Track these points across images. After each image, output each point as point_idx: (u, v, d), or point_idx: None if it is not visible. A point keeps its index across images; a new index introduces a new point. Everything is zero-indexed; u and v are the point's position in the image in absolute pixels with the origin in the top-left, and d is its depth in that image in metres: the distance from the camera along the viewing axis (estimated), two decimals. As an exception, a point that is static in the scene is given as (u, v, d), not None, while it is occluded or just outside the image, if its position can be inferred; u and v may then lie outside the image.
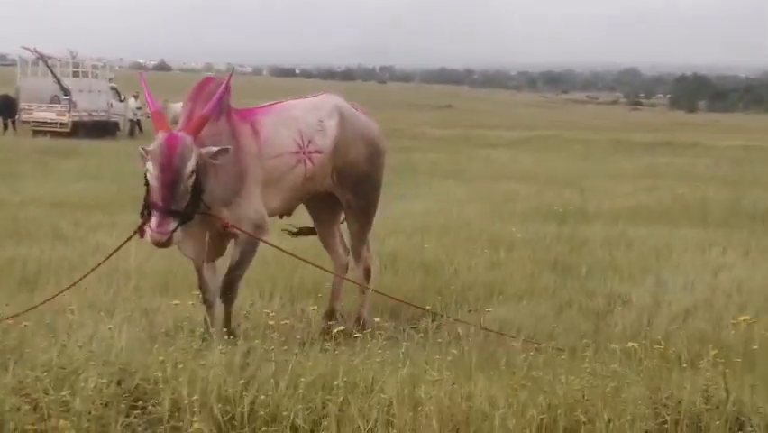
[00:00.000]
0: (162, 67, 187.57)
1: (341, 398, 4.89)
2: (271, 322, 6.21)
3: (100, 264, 7.42)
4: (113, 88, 39.87)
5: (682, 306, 8.43)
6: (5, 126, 37.68)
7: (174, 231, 6.44)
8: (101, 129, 37.47)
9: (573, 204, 16.06)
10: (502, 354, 5.90)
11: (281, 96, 7.98)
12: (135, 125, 38.83)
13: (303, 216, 8.31)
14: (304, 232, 8.31)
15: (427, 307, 7.57)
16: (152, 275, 9.06)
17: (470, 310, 7.59)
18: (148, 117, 28.69)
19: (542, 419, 4.67)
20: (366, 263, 8.01)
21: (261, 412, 4.87)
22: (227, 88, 6.92)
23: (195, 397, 4.85)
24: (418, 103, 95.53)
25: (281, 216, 7.82)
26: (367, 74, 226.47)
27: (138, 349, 5.66)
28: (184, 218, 6.51)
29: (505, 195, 18.61)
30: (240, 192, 6.94)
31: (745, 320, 5.98)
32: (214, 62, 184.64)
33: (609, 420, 4.66)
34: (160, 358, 5.21)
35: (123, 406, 4.86)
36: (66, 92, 36.53)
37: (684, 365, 5.38)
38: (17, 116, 36.75)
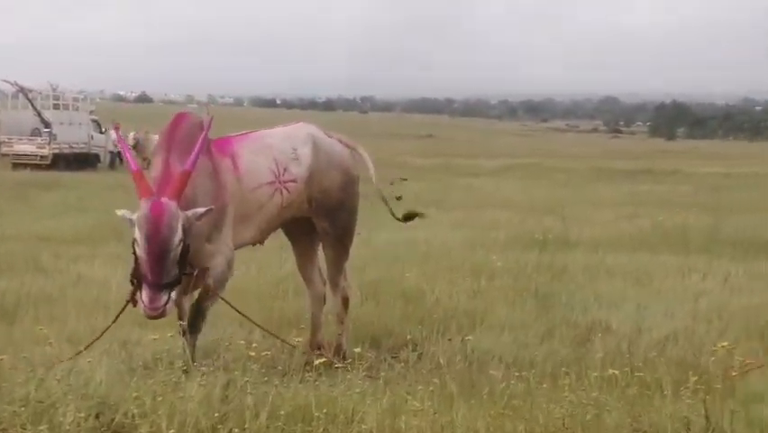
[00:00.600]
0: (143, 99, 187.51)
1: (321, 429, 4.87)
2: (252, 353, 6.17)
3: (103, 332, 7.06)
4: (93, 120, 39.84)
5: (663, 332, 8.45)
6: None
7: (167, 304, 6.33)
8: (82, 161, 37.43)
9: (554, 232, 16.10)
10: (483, 384, 5.89)
11: (260, 127, 7.98)
12: (116, 157, 38.74)
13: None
14: (411, 217, 8.28)
15: (408, 336, 7.55)
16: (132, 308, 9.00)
17: (449, 339, 7.57)
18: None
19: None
20: (344, 293, 7.97)
21: (241, 444, 4.83)
22: (205, 139, 6.74)
23: (172, 430, 4.81)
24: (400, 132, 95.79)
25: (254, 245, 7.77)
26: (348, 104, 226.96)
27: (117, 382, 5.60)
28: (175, 285, 6.40)
29: (486, 223, 18.64)
30: (221, 227, 6.90)
31: (723, 346, 5.99)
32: (195, 94, 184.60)
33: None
34: (136, 393, 5.16)
35: (101, 440, 4.81)
36: (46, 125, 36.49)
37: (665, 392, 5.39)
38: (-3, 150, 36.68)
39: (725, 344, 6.12)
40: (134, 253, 6.39)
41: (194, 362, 6.52)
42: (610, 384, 5.43)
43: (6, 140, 36.41)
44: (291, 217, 7.68)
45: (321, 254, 8.12)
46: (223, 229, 6.92)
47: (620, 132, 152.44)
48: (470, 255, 13.38)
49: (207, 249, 6.81)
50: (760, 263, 13.03)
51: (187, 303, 7.03)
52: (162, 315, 6.37)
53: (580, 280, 11.55)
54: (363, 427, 4.86)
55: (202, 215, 6.45)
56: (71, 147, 37.71)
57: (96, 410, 5.02)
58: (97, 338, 6.84)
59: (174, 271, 6.35)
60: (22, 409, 4.95)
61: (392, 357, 7.34)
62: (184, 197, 6.44)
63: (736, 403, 4.99)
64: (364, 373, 5.70)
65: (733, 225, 17.32)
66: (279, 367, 6.47)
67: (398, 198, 8.17)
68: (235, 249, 7.18)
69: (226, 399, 5.28)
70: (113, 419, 5.04)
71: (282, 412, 4.99)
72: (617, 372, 5.46)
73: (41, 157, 36.00)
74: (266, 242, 7.90)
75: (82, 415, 4.90)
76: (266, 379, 5.66)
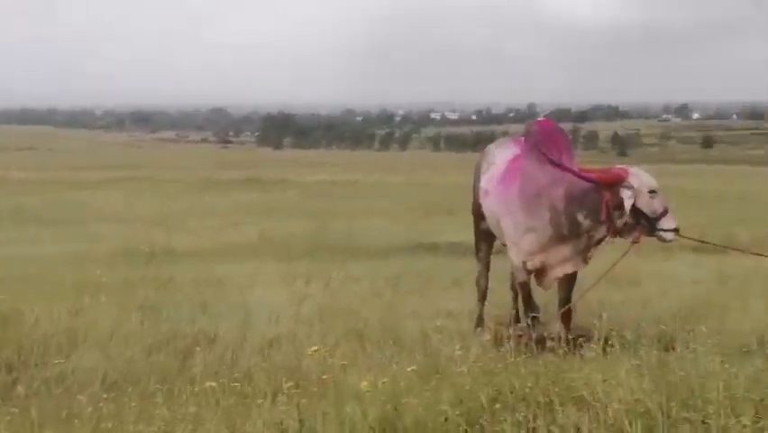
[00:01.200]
0: None
1: None
2: None
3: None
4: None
5: (267, 339, 8.58)
6: None
7: None
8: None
9: (161, 244, 15.95)
10: (75, 408, 5.63)
11: None
12: None
13: None
14: None
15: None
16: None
17: (36, 364, 7.22)
18: None
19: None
20: None
21: None
22: None
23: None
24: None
25: None
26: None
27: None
28: None
29: (91, 237, 18.10)
30: None
31: (317, 350, 6.19)
32: None
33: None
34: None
35: None
36: None
37: (262, 400, 5.45)
38: None
39: (315, 348, 6.31)
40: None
41: None
42: (209, 397, 5.40)
43: None
44: None
45: None
46: None
47: (230, 142, 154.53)
48: (73, 272, 12.87)
49: None
50: (359, 266, 13.66)
51: None
52: None
53: (188, 291, 11.47)
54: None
55: None
56: None
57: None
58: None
59: None
60: None
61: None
62: None
63: (328, 405, 5.15)
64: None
65: (335, 231, 18.10)
66: None
67: None
68: None
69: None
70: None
71: None
72: (214, 384, 5.45)
73: None
74: None
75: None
76: None
